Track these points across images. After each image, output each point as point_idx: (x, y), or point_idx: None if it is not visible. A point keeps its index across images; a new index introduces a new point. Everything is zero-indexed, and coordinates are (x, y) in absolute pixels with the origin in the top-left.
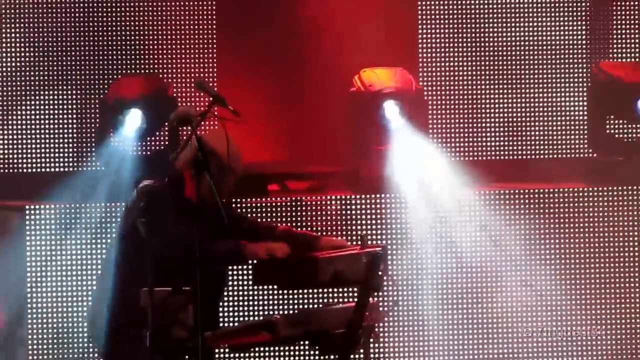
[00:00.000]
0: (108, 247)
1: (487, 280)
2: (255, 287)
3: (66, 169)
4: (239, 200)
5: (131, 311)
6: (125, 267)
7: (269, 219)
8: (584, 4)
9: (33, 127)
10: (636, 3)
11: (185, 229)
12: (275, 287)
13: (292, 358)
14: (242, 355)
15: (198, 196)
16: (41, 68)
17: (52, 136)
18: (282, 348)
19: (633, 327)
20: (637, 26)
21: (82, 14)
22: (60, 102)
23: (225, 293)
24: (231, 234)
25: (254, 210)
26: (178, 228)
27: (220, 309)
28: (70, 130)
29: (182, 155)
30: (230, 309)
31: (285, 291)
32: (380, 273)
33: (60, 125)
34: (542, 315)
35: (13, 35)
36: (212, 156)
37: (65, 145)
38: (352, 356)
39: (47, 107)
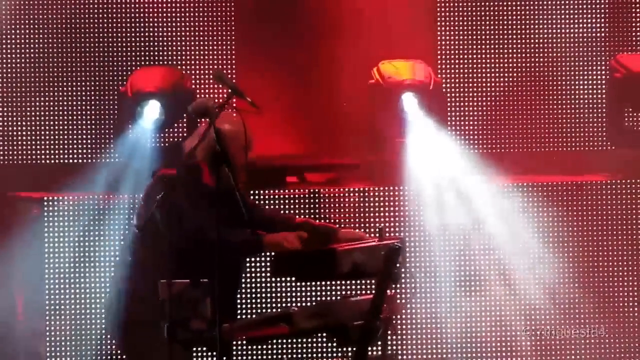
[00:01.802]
0: (125, 238)
1: (504, 273)
2: (273, 279)
3: (85, 161)
4: (257, 192)
5: (148, 302)
6: (142, 257)
7: (287, 211)
8: None
9: (52, 118)
10: None
11: (203, 219)
12: (293, 279)
13: (309, 350)
14: (259, 347)
15: (217, 187)
16: (60, 59)
17: (70, 128)
18: (299, 340)
19: None
20: None
21: (101, 5)
22: (79, 93)
23: (243, 285)
24: (249, 225)
25: (272, 202)
26: (196, 218)
27: (238, 301)
28: (88, 122)
29: (200, 148)
30: (248, 300)
31: (303, 283)
32: (398, 265)
33: (79, 117)
34: (561, 310)
35: (32, 26)
36: (230, 138)
37: (84, 136)
38: (369, 348)
39: (65, 98)
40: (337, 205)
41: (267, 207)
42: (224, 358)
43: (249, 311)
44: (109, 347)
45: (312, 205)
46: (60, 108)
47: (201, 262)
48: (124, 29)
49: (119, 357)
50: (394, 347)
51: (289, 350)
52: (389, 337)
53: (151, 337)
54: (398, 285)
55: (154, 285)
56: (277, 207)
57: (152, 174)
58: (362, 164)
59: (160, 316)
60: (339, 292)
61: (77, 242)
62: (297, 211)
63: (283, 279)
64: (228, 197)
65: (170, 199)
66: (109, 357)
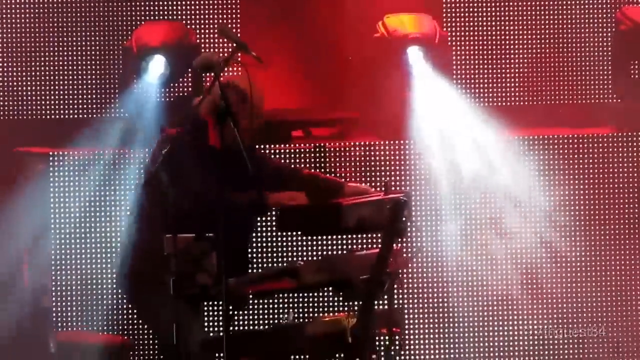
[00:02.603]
0: (134, 193)
1: (509, 226)
2: (279, 234)
3: (90, 116)
4: (263, 146)
5: (156, 257)
6: (149, 214)
7: (292, 165)
8: None
9: (57, 73)
10: None
11: (208, 180)
12: (299, 233)
13: (315, 305)
14: (265, 301)
15: (222, 143)
16: (65, 14)
17: (76, 83)
18: (305, 295)
19: None
20: None
21: None
22: (84, 48)
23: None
24: (255, 179)
25: (278, 156)
26: (199, 178)
27: (248, 257)
28: (94, 77)
29: (205, 102)
30: (254, 255)
31: (309, 237)
32: (404, 219)
33: (84, 72)
34: (567, 261)
35: None
36: (236, 99)
37: (89, 92)
38: (376, 302)
39: (71, 53)
40: (342, 159)
41: (273, 157)
42: (231, 311)
43: (254, 266)
44: (115, 301)
45: (317, 160)
46: (66, 63)
47: (206, 222)
48: None
49: (126, 311)
50: (400, 302)
51: (295, 305)
52: (395, 292)
53: (160, 293)
54: (404, 239)
55: (161, 241)
56: (282, 161)
57: (160, 130)
58: (367, 118)
59: (166, 271)
60: (344, 247)
61: (82, 197)
62: (302, 165)
63: (289, 233)
64: (234, 156)
65: (175, 158)
66: (114, 311)
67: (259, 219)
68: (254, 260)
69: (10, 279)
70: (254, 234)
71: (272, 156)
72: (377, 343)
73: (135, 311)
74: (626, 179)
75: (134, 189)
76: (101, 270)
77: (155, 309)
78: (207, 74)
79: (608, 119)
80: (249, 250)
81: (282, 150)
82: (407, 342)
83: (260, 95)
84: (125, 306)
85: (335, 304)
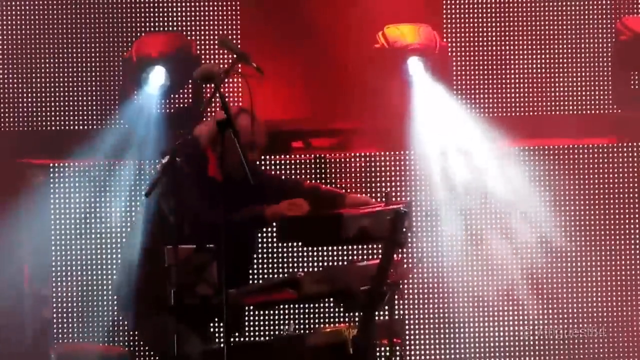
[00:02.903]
0: (137, 207)
1: (511, 237)
2: (280, 244)
3: (91, 127)
4: (263, 157)
5: (157, 288)
6: (151, 244)
7: (293, 176)
8: None
9: (58, 85)
10: None
11: (209, 209)
12: (300, 244)
13: (316, 315)
14: (266, 312)
15: (223, 169)
16: (65, 25)
17: (76, 94)
18: (306, 305)
19: None
20: None
21: None
22: (84, 60)
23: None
24: (258, 193)
25: (278, 167)
26: (201, 209)
27: (250, 271)
28: (94, 88)
29: (203, 128)
30: (255, 266)
31: (310, 248)
32: (404, 230)
33: (85, 83)
34: (568, 267)
35: None
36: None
37: (90, 103)
38: (376, 313)
39: (71, 64)
40: (343, 170)
41: (274, 172)
42: (231, 323)
43: (256, 276)
44: (115, 312)
45: (317, 171)
46: (66, 74)
47: (207, 239)
48: None
49: (124, 326)
50: (401, 312)
51: (296, 316)
52: (396, 302)
53: (161, 311)
54: (404, 250)
55: (163, 271)
56: (283, 172)
57: (161, 155)
58: (367, 129)
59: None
60: (345, 257)
61: (83, 209)
62: (302, 176)
63: (290, 244)
64: (235, 175)
65: (175, 188)
66: (114, 322)
67: (260, 231)
68: (256, 270)
69: (11, 289)
70: (257, 247)
71: (272, 167)
72: (378, 354)
73: (137, 333)
74: (626, 189)
75: (135, 214)
76: (101, 281)
77: (159, 330)
78: (208, 85)
79: (608, 129)
80: (252, 263)
81: (282, 161)
82: (407, 352)
83: (261, 128)
84: (126, 325)
85: (336, 314)
